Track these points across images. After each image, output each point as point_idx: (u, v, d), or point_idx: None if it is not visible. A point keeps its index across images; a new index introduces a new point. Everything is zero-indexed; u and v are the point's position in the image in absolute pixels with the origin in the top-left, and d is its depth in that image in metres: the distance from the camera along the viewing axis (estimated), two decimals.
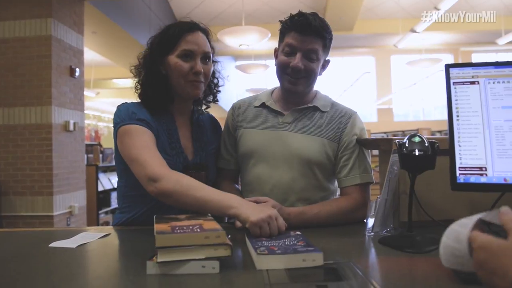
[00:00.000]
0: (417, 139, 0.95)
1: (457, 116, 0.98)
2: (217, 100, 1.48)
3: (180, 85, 1.30)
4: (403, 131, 14.59)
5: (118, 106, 1.32)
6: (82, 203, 4.94)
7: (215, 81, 1.46)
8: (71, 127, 4.72)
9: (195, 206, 1.07)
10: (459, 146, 0.98)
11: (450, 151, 0.98)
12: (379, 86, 18.57)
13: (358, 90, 15.92)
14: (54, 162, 4.46)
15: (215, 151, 1.49)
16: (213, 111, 1.57)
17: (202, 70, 1.29)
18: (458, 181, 0.98)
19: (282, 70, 1.36)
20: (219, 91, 1.48)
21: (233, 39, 6.47)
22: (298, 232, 1.00)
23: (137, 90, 1.35)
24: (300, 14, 1.32)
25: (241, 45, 6.57)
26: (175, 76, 1.29)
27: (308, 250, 0.85)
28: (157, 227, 0.89)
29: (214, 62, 1.42)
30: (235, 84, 18.27)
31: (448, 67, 0.99)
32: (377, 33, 9.89)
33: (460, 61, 19.15)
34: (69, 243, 1.08)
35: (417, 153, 0.93)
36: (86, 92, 5.41)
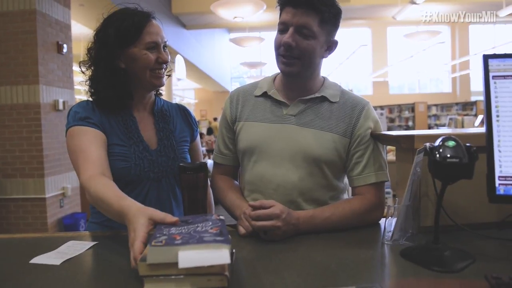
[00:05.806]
0: (451, 143, 0.81)
1: (497, 116, 0.85)
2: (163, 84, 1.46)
3: (145, 77, 1.27)
4: (399, 105, 14.54)
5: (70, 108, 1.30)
6: (75, 184, 4.81)
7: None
8: (61, 106, 4.54)
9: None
10: (499, 151, 0.85)
11: (488, 157, 0.85)
12: (375, 59, 18.32)
13: (353, 62, 15.69)
14: (44, 143, 4.31)
15: (186, 138, 1.43)
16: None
17: (167, 59, 1.30)
18: (497, 192, 0.85)
19: (276, 51, 1.22)
20: (169, 75, 1.44)
21: (227, 11, 6.22)
22: (222, 217, 0.89)
23: (90, 89, 1.29)
24: None
25: (235, 17, 6.33)
26: (141, 68, 1.26)
27: (216, 240, 0.72)
28: (145, 251, 0.76)
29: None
30: (229, 57, 17.89)
31: (486, 57, 0.85)
32: (375, 4, 9.64)
33: (457, 34, 18.81)
34: (53, 258, 0.97)
35: (453, 160, 0.80)
36: (76, 68, 5.18)
